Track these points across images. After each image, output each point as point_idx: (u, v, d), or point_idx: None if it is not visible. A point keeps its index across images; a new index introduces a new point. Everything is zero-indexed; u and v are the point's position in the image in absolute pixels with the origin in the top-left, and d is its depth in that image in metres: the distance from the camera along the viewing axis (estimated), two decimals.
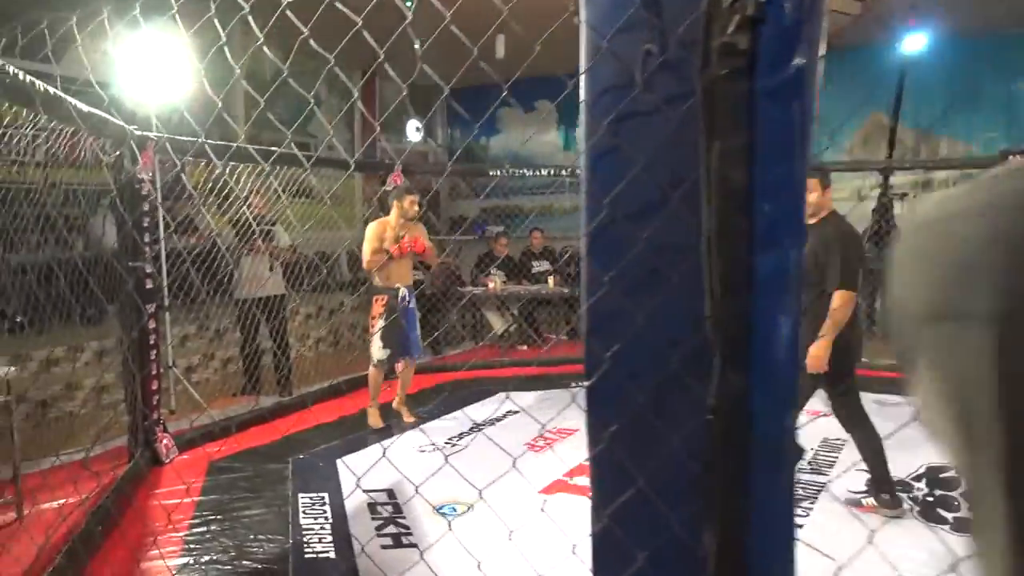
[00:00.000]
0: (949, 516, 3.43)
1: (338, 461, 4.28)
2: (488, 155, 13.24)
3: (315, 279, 6.52)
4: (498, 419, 5.19)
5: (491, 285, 7.49)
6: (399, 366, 5.09)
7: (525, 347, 7.70)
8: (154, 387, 4.30)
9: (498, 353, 7.40)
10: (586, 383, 0.99)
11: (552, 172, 7.16)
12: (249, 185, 5.24)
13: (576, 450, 4.36)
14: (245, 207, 5.27)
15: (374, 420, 4.96)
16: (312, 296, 7.40)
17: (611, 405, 0.98)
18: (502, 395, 5.84)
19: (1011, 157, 5.95)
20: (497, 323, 8.01)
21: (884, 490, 3.50)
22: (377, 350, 4.83)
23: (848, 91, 10.50)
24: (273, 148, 5.22)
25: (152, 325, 4.29)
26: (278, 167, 5.41)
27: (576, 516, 3.53)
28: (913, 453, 4.08)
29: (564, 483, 3.91)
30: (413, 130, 12.63)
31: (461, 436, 4.79)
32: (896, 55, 8.89)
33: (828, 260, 3.37)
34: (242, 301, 5.50)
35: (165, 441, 4.30)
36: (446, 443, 4.66)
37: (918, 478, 3.92)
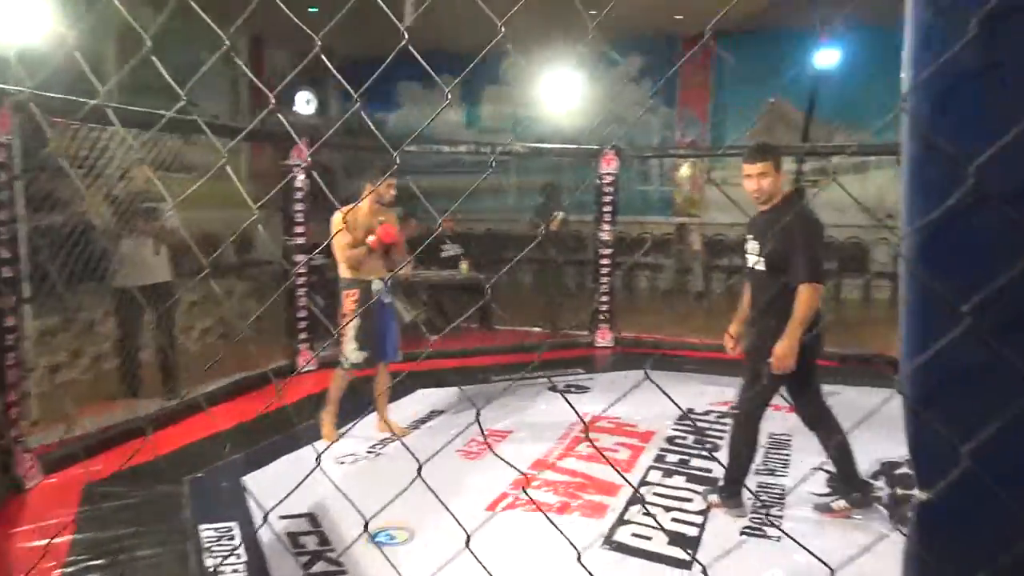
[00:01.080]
0: None
1: (244, 479, 3.68)
2: (386, 132, 12.56)
3: (209, 262, 5.75)
4: (422, 420, 4.71)
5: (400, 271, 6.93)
6: (377, 371, 4.43)
7: (435, 338, 7.20)
8: (12, 397, 3.54)
9: (408, 344, 6.86)
10: (919, 496, 0.57)
11: (492, 149, 6.64)
12: (127, 155, 4.47)
13: (516, 458, 3.94)
14: (124, 181, 4.50)
15: (328, 432, 4.28)
16: (197, 282, 6.60)
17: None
18: (420, 392, 5.36)
19: None
20: (404, 312, 7.45)
21: (854, 488, 3.30)
22: (352, 352, 4.19)
23: (760, 75, 10.56)
24: (160, 112, 4.46)
25: (10, 322, 3.52)
26: (157, 136, 4.65)
27: (532, 535, 3.18)
28: (864, 450, 3.94)
29: (510, 498, 3.48)
30: (303, 102, 11.78)
31: (384, 442, 4.27)
32: (808, 68, 9.17)
33: (790, 251, 3.08)
34: (121, 289, 4.73)
35: (26, 462, 3.56)
36: (368, 451, 4.13)
37: (875, 476, 3.76)
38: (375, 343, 4.24)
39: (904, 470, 3.81)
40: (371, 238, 4.05)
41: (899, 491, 3.55)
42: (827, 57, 8.85)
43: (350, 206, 4.29)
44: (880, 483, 3.66)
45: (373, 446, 4.20)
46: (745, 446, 3.30)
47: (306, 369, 5.76)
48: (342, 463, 3.95)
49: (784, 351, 3.05)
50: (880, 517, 3.29)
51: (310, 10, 9.08)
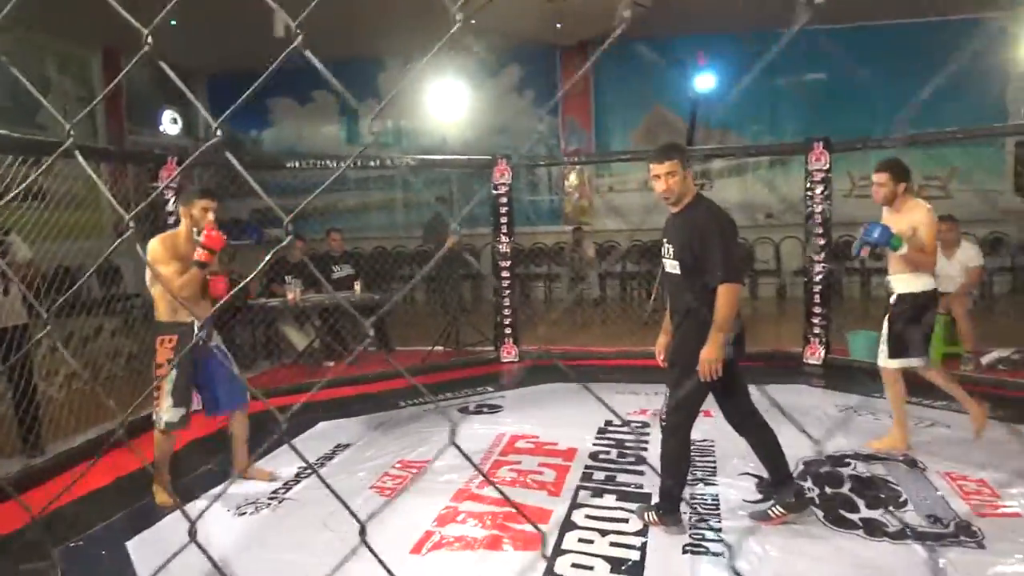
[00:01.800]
0: (855, 518, 3.22)
1: (128, 545, 3.22)
2: (261, 149, 11.96)
3: (65, 299, 5.13)
4: (328, 457, 4.33)
5: (290, 295, 6.49)
6: (228, 419, 3.83)
7: (332, 363, 6.80)
8: None
9: (304, 373, 6.44)
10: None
11: (381, 163, 6.30)
12: None
13: (435, 490, 3.67)
14: None
15: (163, 498, 3.66)
16: (57, 322, 5.91)
17: None
18: (322, 425, 4.97)
19: (815, 143, 6.14)
20: (297, 338, 7.01)
21: (788, 492, 3.23)
22: (167, 410, 3.54)
23: (639, 82, 10.73)
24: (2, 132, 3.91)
25: None
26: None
27: None
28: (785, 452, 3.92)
29: (436, 536, 3.20)
30: (169, 121, 11.04)
31: (287, 485, 3.88)
32: (689, 90, 9.58)
33: (706, 251, 2.99)
34: None
35: None
36: (271, 497, 3.73)
37: (801, 476, 3.73)
38: (202, 395, 3.72)
39: (827, 468, 3.81)
40: (199, 251, 3.45)
41: (828, 490, 3.53)
42: (705, 81, 9.39)
43: (164, 233, 3.69)
44: (808, 483, 3.63)
45: (276, 491, 3.81)
46: (679, 458, 3.17)
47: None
48: (242, 513, 3.54)
49: (709, 355, 2.94)
50: (815, 520, 3.23)
51: (171, 23, 8.46)
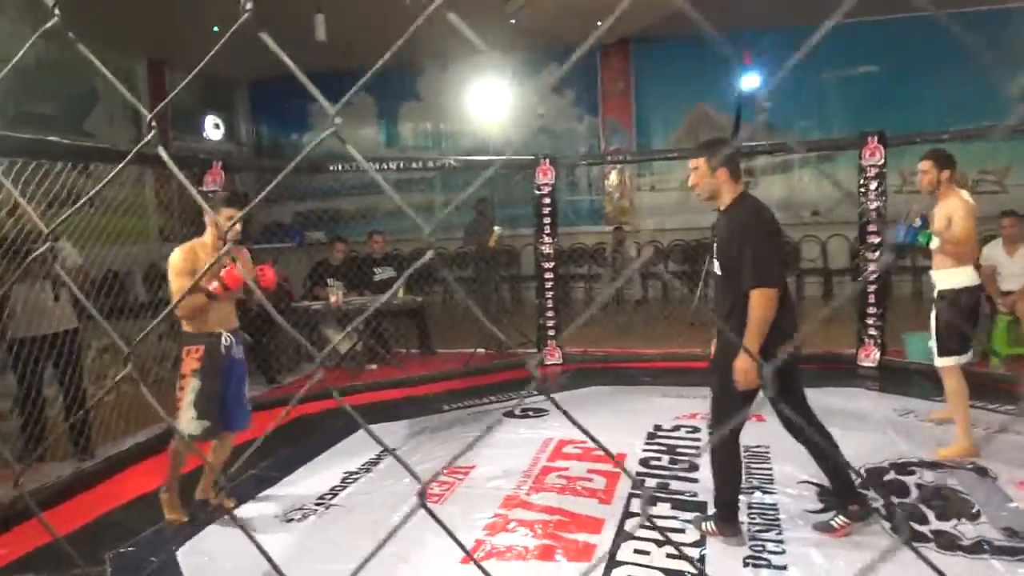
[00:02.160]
0: (925, 530, 3.07)
1: (178, 552, 3.20)
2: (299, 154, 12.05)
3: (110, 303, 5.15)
4: (373, 462, 4.29)
5: (332, 298, 6.49)
6: (225, 439, 3.64)
7: (375, 367, 6.78)
8: None
9: (346, 377, 6.42)
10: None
11: (424, 164, 6.25)
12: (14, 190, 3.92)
13: (483, 497, 3.60)
14: (10, 219, 3.95)
15: (173, 514, 3.50)
16: (107, 325, 5.97)
17: None
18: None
19: (869, 138, 5.95)
20: (340, 341, 7.00)
21: (851, 500, 3.08)
22: (189, 422, 3.36)
23: (680, 80, 10.55)
24: (52, 139, 3.95)
25: None
26: (50, 167, 4.10)
27: None
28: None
29: (487, 545, 3.12)
30: (212, 127, 11.19)
31: (334, 492, 3.84)
32: (734, 92, 9.39)
33: (740, 252, 2.87)
34: (18, 341, 4.17)
35: None
36: (317, 504, 3.70)
37: (864, 485, 3.57)
38: (219, 410, 3.49)
39: (892, 476, 3.65)
40: (214, 284, 3.29)
41: (895, 500, 3.37)
42: (750, 80, 9.20)
43: (191, 241, 3.51)
44: (871, 493, 3.48)
45: (323, 496, 3.77)
46: (729, 466, 3.06)
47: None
48: (290, 520, 3.52)
49: (743, 365, 2.82)
50: (881, 530, 3.09)
51: (213, 29, 8.55)
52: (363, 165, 0.80)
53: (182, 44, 9.06)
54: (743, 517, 3.20)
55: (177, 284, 3.36)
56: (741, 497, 3.40)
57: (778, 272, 2.93)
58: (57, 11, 0.86)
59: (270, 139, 12.55)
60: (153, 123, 0.88)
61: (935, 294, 4.05)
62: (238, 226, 3.43)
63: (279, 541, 3.24)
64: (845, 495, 3.11)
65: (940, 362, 4.00)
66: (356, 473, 4.08)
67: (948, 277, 3.97)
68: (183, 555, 3.16)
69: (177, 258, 3.39)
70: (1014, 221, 5.71)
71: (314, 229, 10.61)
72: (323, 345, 7.13)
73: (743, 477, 3.27)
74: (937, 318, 4.00)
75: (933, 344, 4.02)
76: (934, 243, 3.83)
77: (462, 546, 0.84)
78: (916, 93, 9.84)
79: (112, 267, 5.39)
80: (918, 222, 3.85)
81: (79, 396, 4.47)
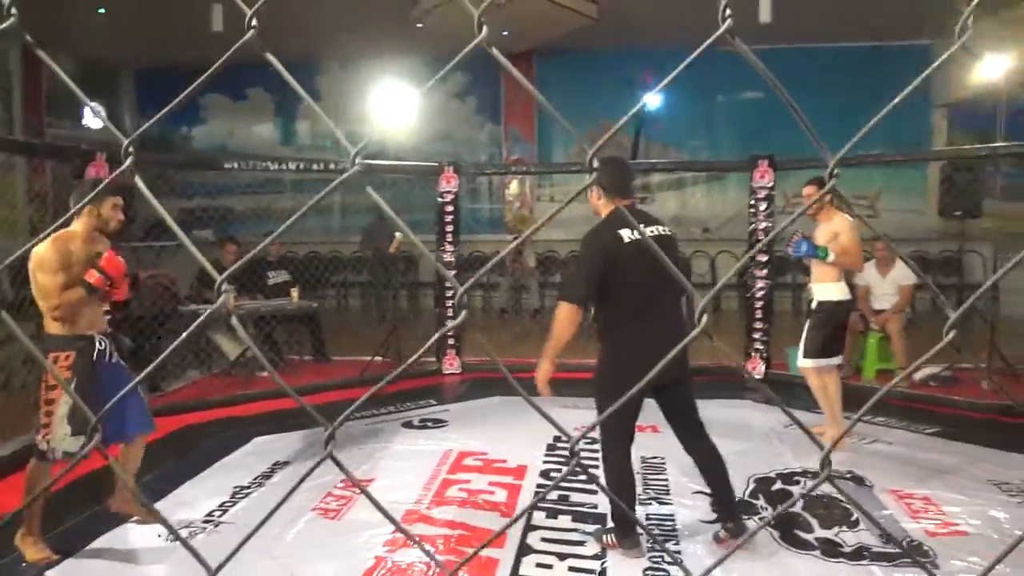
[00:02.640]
0: (810, 538, 3.22)
1: None
2: (191, 147, 11.51)
3: None
4: (266, 475, 4.11)
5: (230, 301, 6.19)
6: (118, 449, 3.33)
7: (266, 374, 6.52)
8: None
9: (237, 384, 6.15)
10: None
11: (324, 166, 6.04)
12: None
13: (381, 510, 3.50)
14: None
15: (34, 553, 3.05)
16: None
17: None
18: (256, 440, 4.74)
19: (760, 161, 6.24)
20: (229, 347, 6.70)
21: (729, 519, 3.18)
22: (63, 439, 3.04)
23: (583, 95, 10.74)
24: None
25: None
26: None
27: None
28: (734, 467, 3.91)
29: (387, 563, 3.04)
30: (92, 115, 10.53)
31: (223, 508, 3.65)
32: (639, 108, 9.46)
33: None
34: None
35: None
36: (205, 521, 3.50)
37: (753, 495, 3.72)
38: (103, 421, 3.25)
39: (779, 486, 3.82)
40: (95, 275, 3.02)
41: (781, 509, 3.52)
42: (652, 99, 9.54)
43: (58, 233, 3.10)
44: (761, 501, 3.62)
45: (211, 512, 3.58)
46: (620, 480, 3.11)
47: None
48: (172, 540, 3.31)
49: (538, 375, 3.07)
50: (769, 539, 3.21)
51: (99, 11, 8.04)
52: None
53: (64, 26, 8.48)
54: (642, 529, 3.26)
55: (52, 280, 3.00)
56: (639, 508, 3.48)
57: (583, 292, 3.01)
58: None
59: (158, 131, 11.91)
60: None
61: (813, 304, 4.44)
62: (121, 216, 3.24)
63: (164, 562, 3.05)
64: (724, 512, 3.21)
65: (801, 363, 4.44)
66: (248, 488, 3.89)
67: (827, 291, 4.38)
68: None
69: (47, 251, 3.00)
70: (886, 245, 6.12)
71: (202, 228, 10.14)
72: (212, 351, 6.82)
73: (637, 489, 3.31)
74: (811, 325, 4.39)
75: (800, 347, 4.43)
76: (831, 257, 4.18)
77: (394, 521, 0.79)
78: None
79: None
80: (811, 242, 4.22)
81: None
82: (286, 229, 0.90)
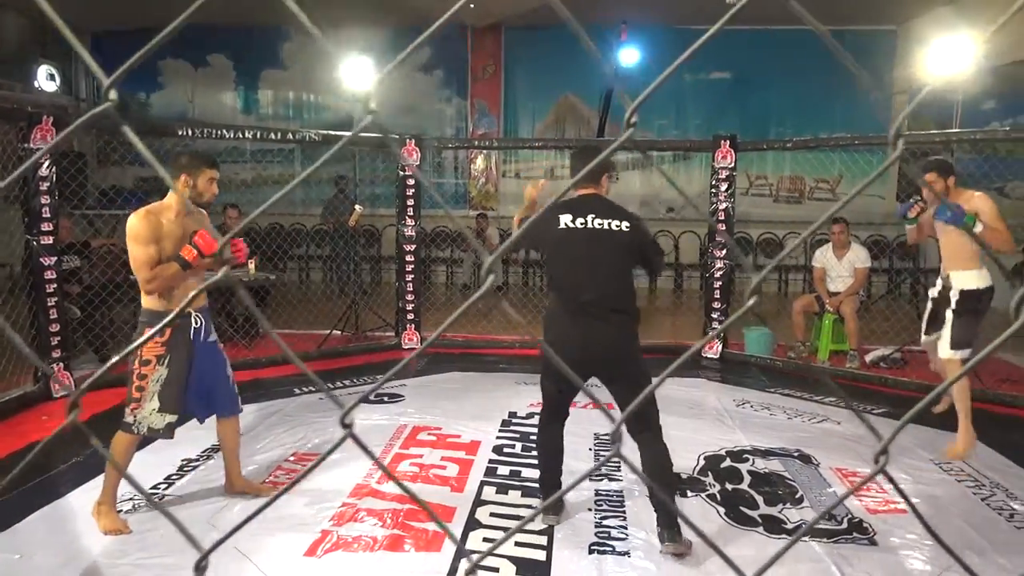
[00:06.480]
0: (755, 515, 3.27)
1: None
2: (150, 114, 11.22)
3: None
4: (215, 449, 4.04)
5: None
6: (219, 428, 3.37)
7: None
8: None
9: None
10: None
11: (282, 136, 5.89)
12: None
13: (332, 482, 3.48)
14: None
15: (108, 523, 3.02)
16: None
17: None
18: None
19: (722, 141, 6.25)
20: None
21: (663, 523, 3.06)
22: (151, 415, 3.03)
23: (550, 67, 10.66)
24: None
25: None
26: None
27: None
28: (685, 445, 3.96)
29: (333, 536, 3.03)
30: (45, 77, 10.18)
31: (169, 480, 3.59)
32: (611, 65, 8.82)
33: None
34: None
35: None
36: (152, 489, 3.45)
37: (702, 471, 3.77)
38: (193, 399, 3.17)
39: (728, 463, 3.87)
40: (192, 251, 2.92)
41: (728, 487, 3.57)
42: (628, 56, 8.67)
43: (151, 205, 3.05)
44: (709, 479, 3.67)
45: (155, 486, 3.52)
46: (538, 452, 3.28)
47: (62, 394, 4.85)
48: (119, 512, 3.24)
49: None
50: (716, 516, 3.26)
51: None
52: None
53: None
54: (591, 504, 3.29)
55: (145, 253, 2.92)
56: (591, 484, 3.50)
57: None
58: None
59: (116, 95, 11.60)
60: None
61: (955, 293, 4.01)
62: (216, 188, 3.16)
63: (108, 536, 2.99)
64: (660, 518, 2.98)
65: (949, 354, 4.01)
66: (195, 460, 3.84)
67: (967, 279, 4.00)
68: None
69: (138, 223, 2.93)
70: (843, 228, 6.20)
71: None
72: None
73: (556, 460, 3.19)
74: (958, 313, 3.98)
75: (947, 337, 4.02)
76: (978, 227, 3.69)
77: (383, 467, 0.77)
78: (763, 101, 10.47)
79: None
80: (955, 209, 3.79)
81: None
82: (286, 194, 0.86)
